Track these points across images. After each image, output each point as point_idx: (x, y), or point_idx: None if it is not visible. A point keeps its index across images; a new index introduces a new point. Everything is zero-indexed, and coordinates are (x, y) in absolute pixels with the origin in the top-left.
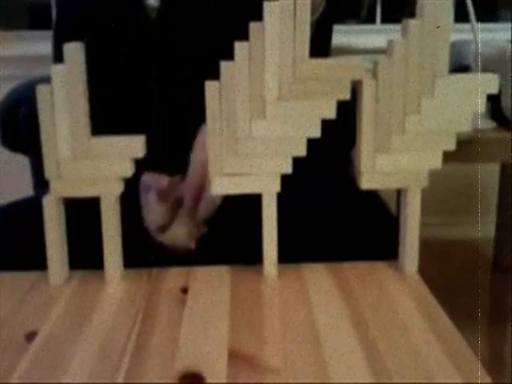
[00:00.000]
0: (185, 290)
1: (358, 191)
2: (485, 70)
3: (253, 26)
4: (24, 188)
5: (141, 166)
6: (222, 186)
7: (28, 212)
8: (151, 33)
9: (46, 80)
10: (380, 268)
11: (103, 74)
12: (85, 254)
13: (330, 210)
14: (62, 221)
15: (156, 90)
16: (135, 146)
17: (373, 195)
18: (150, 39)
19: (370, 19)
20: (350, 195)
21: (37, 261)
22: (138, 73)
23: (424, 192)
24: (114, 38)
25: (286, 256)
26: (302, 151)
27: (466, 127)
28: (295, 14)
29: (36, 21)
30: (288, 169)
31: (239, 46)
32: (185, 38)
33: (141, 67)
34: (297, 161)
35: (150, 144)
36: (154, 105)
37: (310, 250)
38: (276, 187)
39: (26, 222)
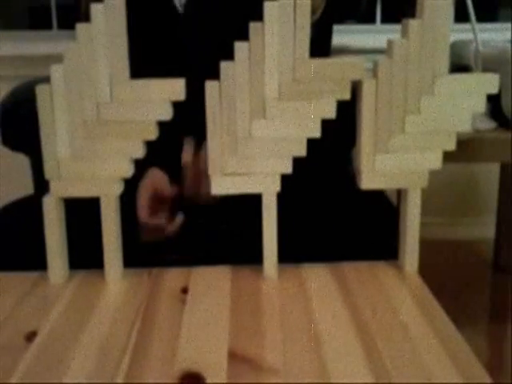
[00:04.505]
0: (185, 290)
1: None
2: (485, 70)
3: (253, 26)
4: (24, 188)
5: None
6: (222, 186)
7: (28, 212)
8: (178, 26)
9: (46, 80)
10: (380, 268)
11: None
12: (85, 254)
13: (330, 209)
14: (62, 221)
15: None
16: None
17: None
18: (177, 32)
19: (370, 19)
20: (349, 194)
21: (37, 261)
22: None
23: (424, 192)
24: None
25: (286, 255)
26: (302, 151)
27: (465, 127)
28: (295, 14)
29: (36, 21)
30: (288, 169)
31: (239, 46)
32: (209, 30)
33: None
34: (296, 161)
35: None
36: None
37: (310, 249)
38: (276, 187)
39: (26, 222)
